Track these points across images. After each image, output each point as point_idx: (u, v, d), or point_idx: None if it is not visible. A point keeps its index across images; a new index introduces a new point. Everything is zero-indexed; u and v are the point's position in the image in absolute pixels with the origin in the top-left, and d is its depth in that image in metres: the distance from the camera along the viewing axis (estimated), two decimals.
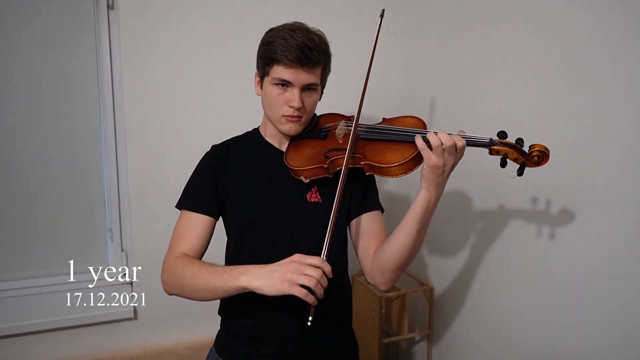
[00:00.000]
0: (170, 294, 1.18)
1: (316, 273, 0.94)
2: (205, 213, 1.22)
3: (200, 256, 1.21)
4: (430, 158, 1.03)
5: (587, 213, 1.31)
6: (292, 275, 0.95)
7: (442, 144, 1.02)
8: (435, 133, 1.05)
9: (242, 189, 1.24)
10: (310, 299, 0.94)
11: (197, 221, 1.21)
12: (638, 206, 1.18)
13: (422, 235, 1.12)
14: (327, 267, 0.97)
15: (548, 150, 1.04)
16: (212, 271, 1.07)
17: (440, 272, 1.97)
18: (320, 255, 1.00)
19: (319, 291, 0.95)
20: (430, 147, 1.04)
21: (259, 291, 0.98)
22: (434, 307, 1.98)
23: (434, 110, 1.97)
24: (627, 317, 1.21)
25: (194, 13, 1.87)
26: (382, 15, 1.29)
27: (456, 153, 1.04)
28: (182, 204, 1.25)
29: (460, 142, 1.04)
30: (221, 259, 1.31)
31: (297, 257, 0.98)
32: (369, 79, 1.23)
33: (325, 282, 0.96)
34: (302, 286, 0.94)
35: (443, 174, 1.05)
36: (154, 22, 1.82)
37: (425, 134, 1.10)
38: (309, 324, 0.94)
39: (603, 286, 1.27)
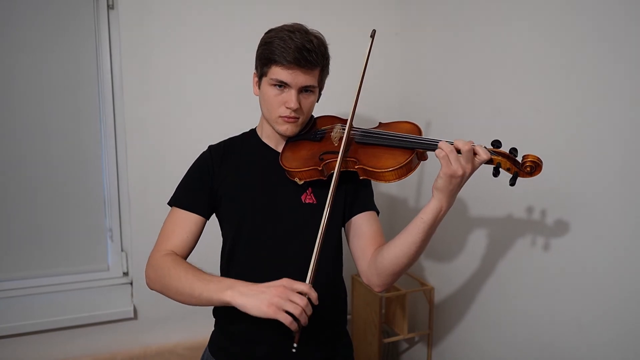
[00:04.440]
0: (152, 289, 1.18)
1: (302, 301, 0.94)
2: (196, 212, 1.22)
3: (187, 254, 1.21)
4: (449, 165, 1.01)
5: (584, 214, 1.31)
6: (279, 301, 0.94)
7: (459, 149, 1.01)
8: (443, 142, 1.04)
9: (237, 189, 1.24)
10: (294, 326, 0.94)
11: (188, 219, 1.21)
12: (633, 210, 1.18)
13: (425, 244, 1.11)
14: (314, 294, 0.97)
15: (541, 161, 1.03)
16: (199, 278, 1.06)
17: (440, 272, 1.97)
18: (307, 275, 1.01)
19: (304, 319, 0.95)
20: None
21: (243, 309, 0.97)
22: (434, 307, 1.98)
23: (433, 112, 1.97)
24: (625, 318, 1.21)
25: (194, 13, 1.87)
26: (372, 36, 1.27)
27: (474, 160, 1.02)
28: (174, 202, 1.25)
29: (485, 155, 1.03)
30: (216, 256, 1.31)
31: (285, 281, 0.97)
32: (363, 86, 1.24)
33: (310, 311, 0.96)
34: (287, 312, 0.94)
35: (459, 184, 1.04)
36: (154, 22, 1.82)
37: (423, 140, 1.10)
38: (293, 350, 0.95)
39: (603, 286, 1.26)
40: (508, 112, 1.57)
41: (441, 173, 1.03)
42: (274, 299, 0.94)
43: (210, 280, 1.04)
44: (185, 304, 1.10)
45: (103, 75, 1.88)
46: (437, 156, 1.03)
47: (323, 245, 1.23)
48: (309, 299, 0.96)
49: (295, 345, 0.95)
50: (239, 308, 0.98)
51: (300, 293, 0.96)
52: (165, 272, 1.12)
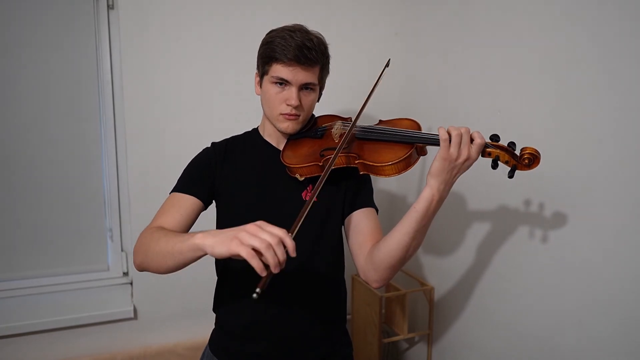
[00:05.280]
0: (137, 264, 1.13)
1: (272, 239, 0.83)
2: (193, 194, 1.21)
3: None
4: (447, 148, 1.02)
5: (583, 213, 1.31)
6: (244, 235, 0.85)
7: (461, 133, 1.02)
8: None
9: (238, 186, 1.25)
10: (257, 263, 0.82)
11: (183, 200, 1.20)
12: (631, 204, 1.18)
13: (420, 236, 1.11)
14: (290, 242, 0.85)
15: (539, 154, 1.04)
16: (175, 235, 1.03)
17: (440, 272, 1.97)
18: (291, 231, 0.91)
19: (272, 258, 0.82)
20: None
21: (210, 250, 0.89)
22: (433, 307, 1.98)
23: (434, 111, 1.97)
24: (626, 317, 1.21)
25: (194, 13, 1.87)
26: (387, 65, 1.31)
27: (471, 146, 1.03)
28: (173, 189, 1.25)
29: (480, 140, 1.04)
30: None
31: (259, 222, 0.88)
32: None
33: (282, 254, 0.83)
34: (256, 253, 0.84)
35: (452, 170, 1.04)
36: (154, 22, 1.82)
37: (422, 135, 1.12)
38: (254, 295, 0.79)
39: (603, 286, 1.27)
40: (508, 110, 1.57)
41: (437, 156, 1.04)
42: (240, 234, 0.85)
43: (186, 234, 1.00)
44: (163, 268, 1.05)
45: (103, 75, 1.88)
46: (440, 138, 1.03)
47: (324, 243, 1.25)
48: (282, 243, 0.85)
49: (257, 290, 0.79)
50: (207, 251, 0.91)
51: (272, 234, 0.86)
52: (148, 239, 1.09)
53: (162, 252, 1.02)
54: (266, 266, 0.83)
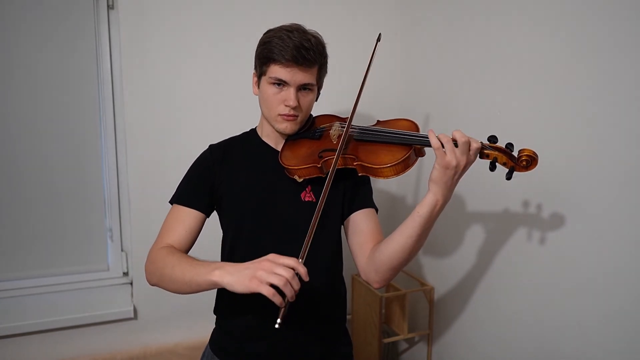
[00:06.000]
0: (152, 284, 1.19)
1: (287, 273, 0.91)
2: (195, 208, 1.23)
3: (186, 250, 1.22)
4: (444, 156, 1.02)
5: (581, 214, 1.31)
6: (262, 274, 0.91)
7: (455, 140, 1.02)
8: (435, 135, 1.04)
9: (237, 187, 1.25)
10: (278, 299, 0.90)
11: (187, 215, 1.22)
12: (631, 206, 1.18)
13: (422, 239, 1.11)
14: (303, 269, 0.92)
15: (537, 155, 1.04)
16: (190, 264, 1.06)
17: (440, 272, 1.96)
18: (300, 257, 0.97)
19: (289, 292, 0.90)
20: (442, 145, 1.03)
21: (230, 288, 0.95)
22: (433, 307, 1.98)
23: (433, 111, 1.97)
24: (624, 317, 1.21)
25: (194, 13, 1.87)
26: (378, 40, 1.31)
27: (469, 153, 1.03)
28: (174, 199, 1.26)
29: (475, 144, 1.04)
30: (217, 256, 1.31)
31: (271, 256, 0.95)
32: (364, 88, 1.25)
33: (297, 284, 0.92)
34: (273, 286, 0.91)
35: (453, 177, 1.04)
36: (154, 22, 1.82)
37: (420, 136, 1.12)
38: (276, 326, 0.89)
39: (601, 286, 1.27)
40: (507, 110, 1.57)
41: (436, 164, 1.04)
42: (258, 272, 0.92)
43: (200, 265, 1.04)
44: (180, 292, 1.10)
45: (103, 75, 1.88)
46: (432, 147, 1.04)
47: (323, 243, 1.24)
48: (299, 277, 0.92)
49: (278, 321, 0.89)
50: (226, 287, 0.96)
51: (286, 266, 0.93)
52: (160, 264, 1.13)
53: (178, 281, 1.07)
54: (282, 295, 0.90)
